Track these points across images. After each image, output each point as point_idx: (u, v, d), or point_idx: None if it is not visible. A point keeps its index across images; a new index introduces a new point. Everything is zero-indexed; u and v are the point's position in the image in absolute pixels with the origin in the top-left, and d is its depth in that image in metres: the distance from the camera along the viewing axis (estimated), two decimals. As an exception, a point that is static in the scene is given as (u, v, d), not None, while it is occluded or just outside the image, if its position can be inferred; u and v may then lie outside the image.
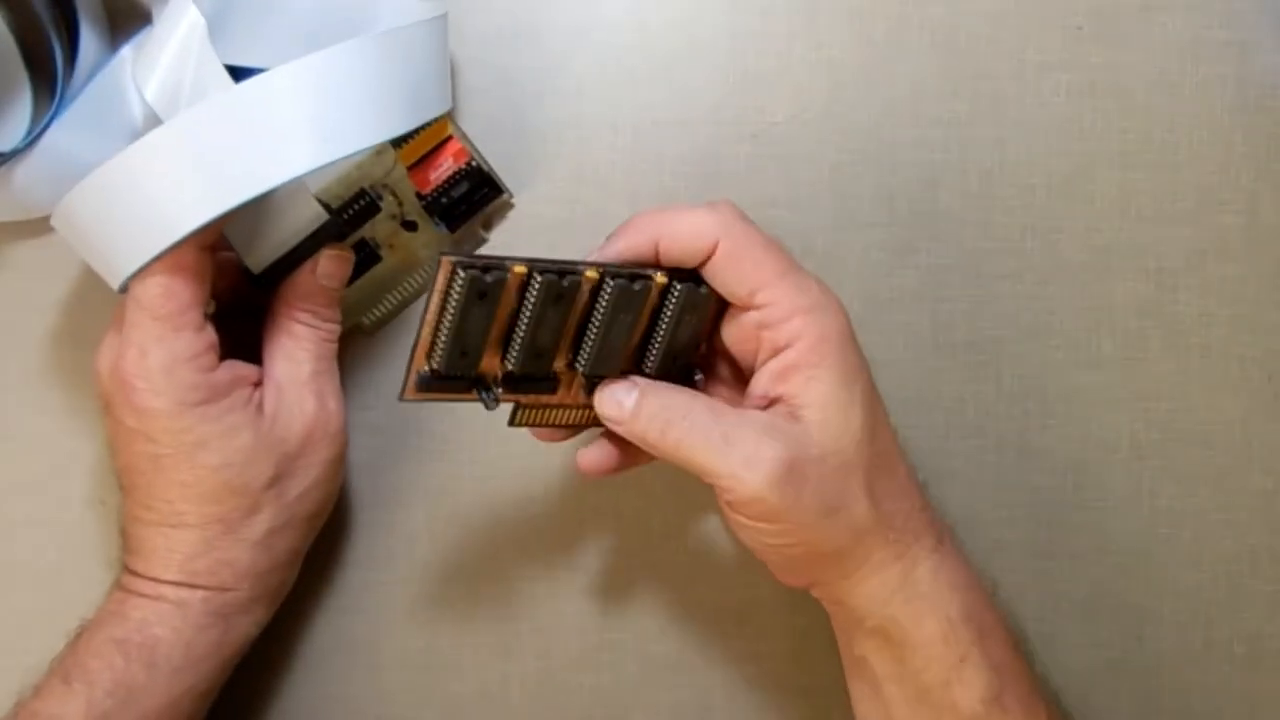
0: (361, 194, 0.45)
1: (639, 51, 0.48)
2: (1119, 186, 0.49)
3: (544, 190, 0.48)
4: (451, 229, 0.47)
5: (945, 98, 0.48)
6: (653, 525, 0.48)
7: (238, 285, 0.44)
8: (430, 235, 0.47)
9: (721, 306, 0.41)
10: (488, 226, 0.48)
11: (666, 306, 0.40)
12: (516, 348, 0.38)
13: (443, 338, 0.37)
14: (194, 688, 0.41)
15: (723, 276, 0.39)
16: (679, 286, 0.39)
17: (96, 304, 0.47)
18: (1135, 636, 0.48)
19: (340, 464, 0.44)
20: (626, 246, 0.40)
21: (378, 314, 0.47)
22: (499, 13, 0.48)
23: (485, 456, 0.48)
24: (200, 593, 0.41)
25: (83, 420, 0.48)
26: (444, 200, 0.46)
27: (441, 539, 0.48)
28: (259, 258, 0.43)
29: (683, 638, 0.48)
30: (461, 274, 0.37)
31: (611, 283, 0.38)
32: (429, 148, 0.46)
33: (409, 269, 0.47)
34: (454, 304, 0.37)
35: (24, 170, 0.45)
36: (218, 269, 0.42)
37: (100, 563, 0.47)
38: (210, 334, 0.41)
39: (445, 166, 0.46)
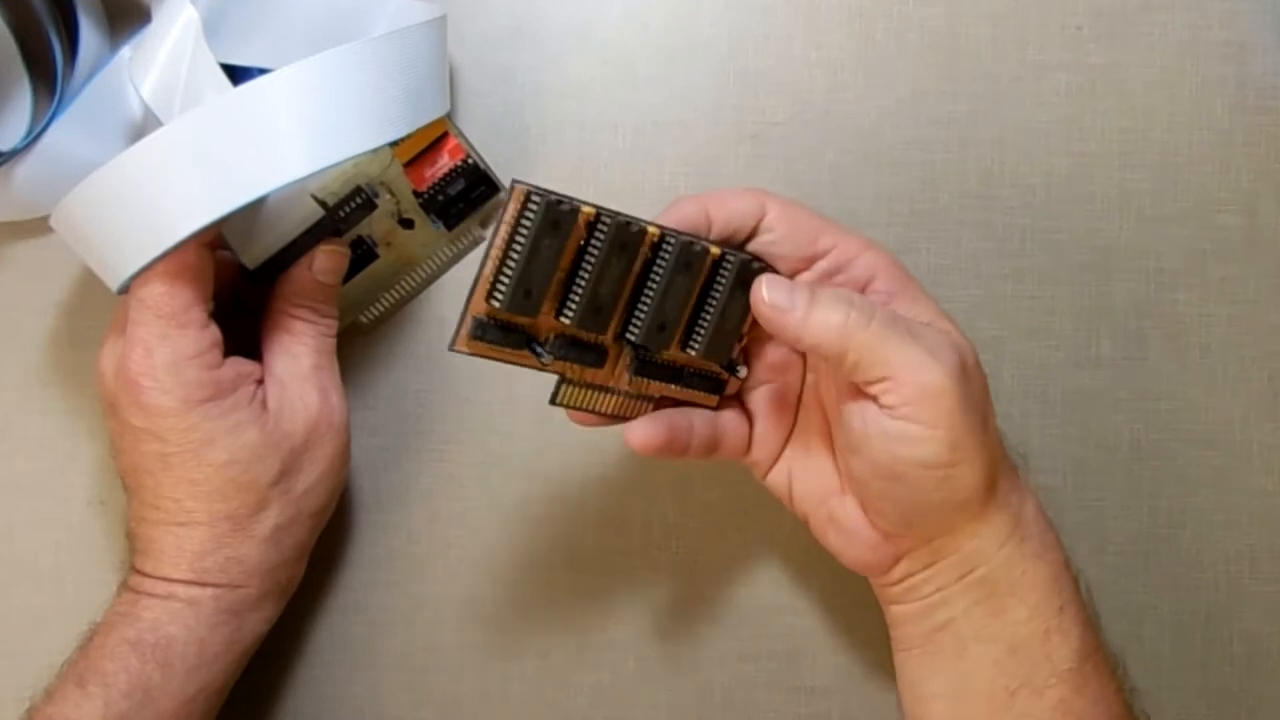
0: (358, 191, 0.45)
1: (639, 51, 0.48)
2: (1119, 186, 0.49)
3: (544, 190, 0.48)
4: (449, 226, 0.47)
5: (945, 98, 0.49)
6: (653, 525, 0.48)
7: (235, 282, 0.44)
8: (428, 234, 0.47)
9: None
10: (486, 225, 0.48)
11: (719, 279, 0.39)
12: (578, 297, 0.37)
13: (508, 272, 0.36)
14: (208, 686, 0.41)
15: (783, 232, 0.40)
16: (732, 257, 0.39)
17: (97, 304, 0.47)
18: (1135, 636, 0.48)
19: (345, 457, 0.44)
20: (678, 218, 0.39)
21: (375, 311, 0.47)
22: (499, 13, 0.48)
23: (485, 457, 0.48)
24: (211, 590, 0.41)
25: (83, 420, 0.48)
26: (440, 198, 0.46)
27: (441, 539, 0.48)
28: (254, 253, 0.43)
29: (683, 638, 0.48)
30: (536, 201, 0.35)
31: (672, 240, 0.38)
32: (425, 145, 0.46)
33: (406, 267, 0.47)
34: (525, 233, 0.36)
35: (24, 170, 0.45)
36: (216, 266, 0.42)
37: (101, 563, 0.47)
38: (214, 331, 0.41)
39: (441, 164, 0.46)
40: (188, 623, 0.40)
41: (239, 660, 0.42)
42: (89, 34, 0.46)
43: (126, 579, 0.42)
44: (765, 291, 0.38)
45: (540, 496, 0.48)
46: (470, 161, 0.46)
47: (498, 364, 0.40)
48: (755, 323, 0.41)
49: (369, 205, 0.45)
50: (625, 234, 0.37)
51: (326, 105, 0.39)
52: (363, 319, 0.47)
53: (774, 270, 0.40)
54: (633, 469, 0.48)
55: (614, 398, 0.40)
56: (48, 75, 0.46)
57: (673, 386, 0.41)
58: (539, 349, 0.38)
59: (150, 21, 0.46)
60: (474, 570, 0.48)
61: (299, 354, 0.43)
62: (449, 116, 0.46)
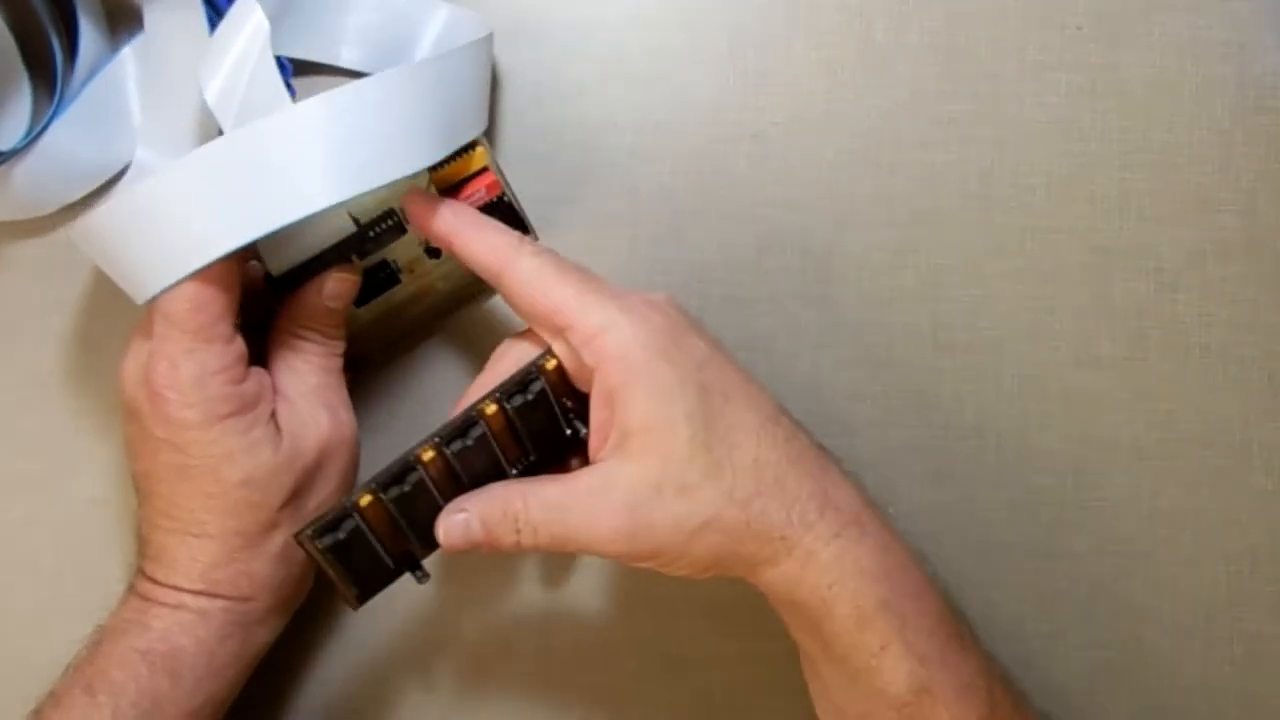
0: (390, 213, 0.44)
1: (639, 51, 0.49)
2: (1119, 186, 0.49)
3: (544, 190, 0.48)
4: None
5: (945, 98, 0.49)
6: (653, 525, 0.48)
7: (257, 290, 0.44)
8: (451, 266, 0.46)
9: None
10: None
11: (511, 421, 0.40)
12: (411, 536, 0.40)
13: (345, 579, 0.40)
14: (214, 696, 0.41)
15: (518, 307, 0.40)
16: (506, 407, 0.40)
17: (97, 304, 0.47)
18: (1135, 636, 0.48)
19: (353, 473, 0.44)
20: (444, 219, 0.41)
21: (387, 345, 0.47)
22: (499, 13, 0.48)
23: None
24: (221, 602, 0.41)
25: (85, 420, 0.48)
26: None
27: (441, 539, 0.48)
28: (280, 261, 0.42)
29: (683, 638, 0.48)
30: (318, 543, 0.39)
31: (449, 448, 0.40)
32: (463, 176, 0.44)
33: (424, 297, 0.47)
34: (330, 561, 0.39)
35: (24, 170, 0.45)
36: (245, 276, 0.41)
37: (101, 563, 0.47)
38: (240, 345, 0.40)
39: (476, 197, 0.44)
40: (198, 634, 0.40)
41: (245, 671, 0.43)
42: (89, 34, 0.46)
43: (135, 583, 0.42)
44: (443, 542, 0.40)
45: (540, 496, 0.48)
46: (505, 199, 0.45)
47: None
48: (571, 399, 0.41)
49: (399, 229, 0.44)
50: (406, 497, 0.40)
51: (363, 132, 0.39)
52: (377, 358, 0.47)
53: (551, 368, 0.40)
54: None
55: None
56: (48, 75, 0.46)
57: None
58: (415, 573, 0.41)
59: (148, 23, 0.47)
60: (473, 570, 0.48)
61: (305, 372, 0.43)
62: (491, 151, 0.45)
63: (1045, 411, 0.48)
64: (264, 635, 0.43)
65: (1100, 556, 0.48)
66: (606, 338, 0.38)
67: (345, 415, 0.43)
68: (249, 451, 0.40)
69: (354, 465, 0.44)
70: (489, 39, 0.45)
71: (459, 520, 0.39)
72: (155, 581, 0.41)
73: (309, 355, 0.43)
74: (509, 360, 0.41)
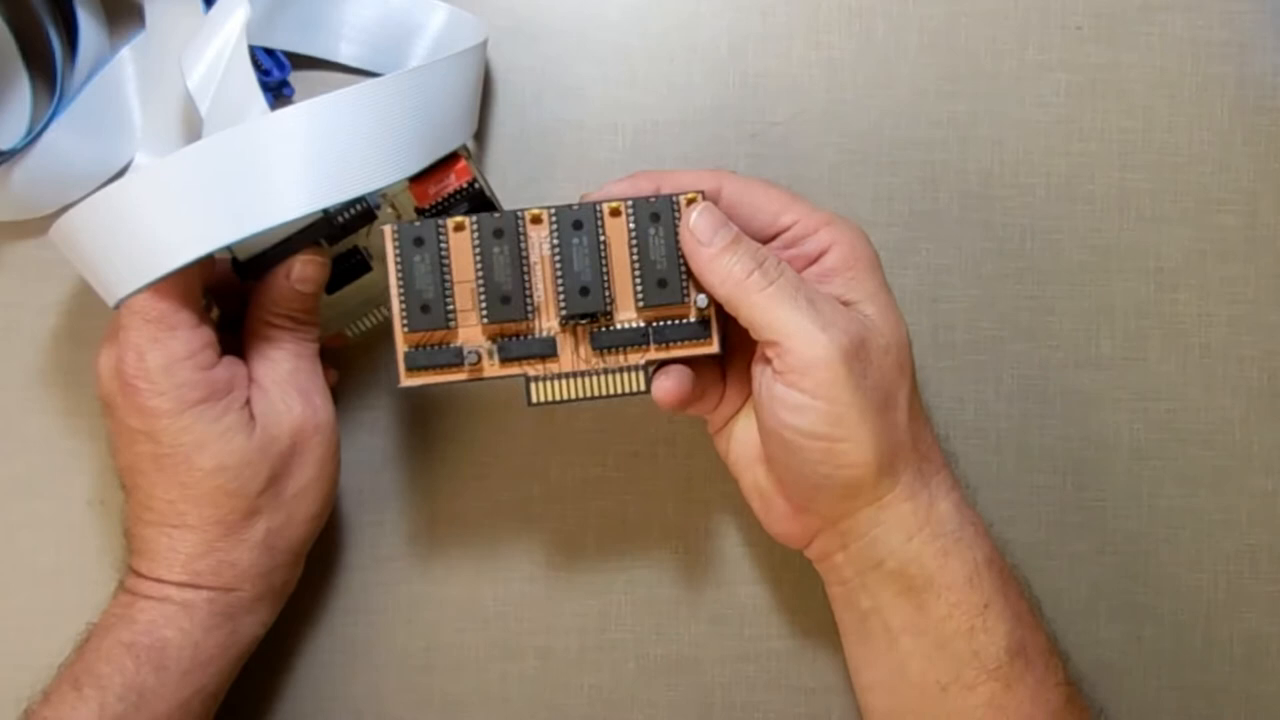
0: (359, 199, 0.44)
1: (639, 51, 0.49)
2: (1119, 186, 0.49)
3: (544, 190, 0.48)
4: None
5: (945, 98, 0.49)
6: (653, 526, 0.48)
7: (232, 283, 0.44)
8: None
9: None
10: None
11: (629, 229, 0.40)
12: (481, 294, 0.40)
13: (401, 300, 0.40)
14: (203, 689, 0.41)
15: (740, 211, 0.40)
16: (630, 202, 0.40)
17: (96, 304, 0.47)
18: (1135, 636, 0.48)
19: (334, 459, 0.44)
20: (623, 190, 0.41)
21: (362, 326, 0.46)
22: (499, 13, 0.48)
23: (485, 457, 0.48)
24: (205, 593, 0.41)
25: (83, 420, 0.48)
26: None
27: (441, 539, 0.48)
28: (247, 246, 0.42)
29: (683, 638, 0.48)
30: (396, 232, 0.39)
31: (554, 215, 0.40)
32: (434, 162, 0.44)
33: None
34: (399, 260, 0.39)
35: (23, 170, 0.45)
36: (210, 263, 0.42)
37: (100, 563, 0.47)
38: (206, 331, 0.41)
39: (447, 183, 0.44)
40: (182, 625, 0.40)
41: (235, 663, 0.42)
42: (89, 34, 0.46)
43: (124, 579, 0.42)
44: (694, 217, 0.39)
45: (540, 496, 0.48)
46: (476, 186, 0.45)
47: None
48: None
49: (368, 216, 0.44)
50: (494, 224, 0.40)
51: (342, 143, 0.39)
52: (349, 332, 0.47)
53: (702, 197, 0.40)
54: (633, 469, 0.48)
55: (595, 380, 0.41)
56: (48, 75, 0.46)
57: (652, 348, 0.41)
58: (465, 358, 0.40)
59: (148, 22, 0.47)
60: (474, 570, 0.48)
61: (277, 359, 0.42)
62: (468, 147, 0.45)
63: (1045, 411, 0.48)
64: (253, 626, 0.43)
65: (1100, 556, 0.48)
66: (837, 226, 0.41)
67: (320, 401, 0.43)
68: (221, 438, 0.40)
69: (333, 452, 0.43)
70: (481, 47, 0.45)
71: (719, 222, 0.39)
72: (140, 575, 0.41)
73: (281, 342, 0.43)
74: (680, 188, 0.41)
